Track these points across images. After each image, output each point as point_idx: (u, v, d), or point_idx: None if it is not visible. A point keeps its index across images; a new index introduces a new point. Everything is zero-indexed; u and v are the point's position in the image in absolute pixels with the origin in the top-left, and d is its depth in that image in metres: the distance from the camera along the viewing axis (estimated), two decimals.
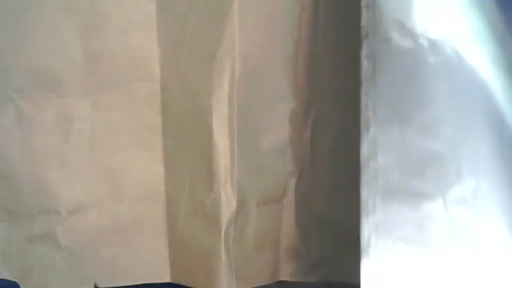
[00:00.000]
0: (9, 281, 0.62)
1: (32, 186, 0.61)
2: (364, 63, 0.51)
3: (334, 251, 0.65)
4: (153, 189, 0.63)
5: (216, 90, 0.59)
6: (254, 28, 0.59)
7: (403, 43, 0.51)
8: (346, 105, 0.58)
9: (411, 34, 0.51)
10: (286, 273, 0.65)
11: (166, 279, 0.64)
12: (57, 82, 0.60)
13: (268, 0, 0.60)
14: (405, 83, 0.51)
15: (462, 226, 0.51)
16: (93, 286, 0.62)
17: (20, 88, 0.60)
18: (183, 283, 0.63)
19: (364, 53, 0.51)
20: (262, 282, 0.64)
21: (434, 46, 0.51)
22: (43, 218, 0.61)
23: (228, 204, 0.60)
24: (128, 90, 0.61)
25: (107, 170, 0.62)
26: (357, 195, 0.60)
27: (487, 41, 0.52)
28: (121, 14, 0.59)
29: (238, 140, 0.59)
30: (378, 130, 0.51)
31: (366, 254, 0.51)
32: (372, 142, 0.51)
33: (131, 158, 0.62)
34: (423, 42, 0.51)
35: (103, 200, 0.62)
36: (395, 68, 0.51)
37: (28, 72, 0.59)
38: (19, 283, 0.62)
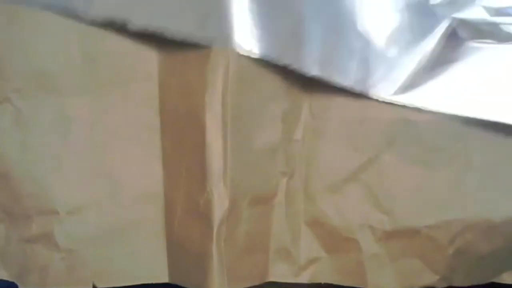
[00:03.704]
0: (8, 281, 0.63)
1: (30, 187, 0.61)
2: None
3: (324, 253, 0.64)
4: (152, 189, 0.63)
5: (209, 89, 0.59)
6: None
7: None
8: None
9: None
10: (275, 274, 0.65)
11: (165, 279, 0.63)
12: (55, 83, 0.60)
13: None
14: None
15: None
16: (91, 287, 0.62)
17: (18, 88, 0.60)
18: (181, 283, 0.63)
19: None
20: (252, 283, 0.63)
21: None
22: (42, 219, 0.61)
23: (220, 203, 0.59)
24: (127, 91, 0.61)
25: (105, 171, 0.62)
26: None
27: None
28: None
29: (231, 139, 0.59)
30: None
31: None
32: None
33: (130, 158, 0.62)
34: None
35: (102, 200, 0.62)
36: None
37: (26, 72, 0.60)
38: (17, 283, 0.62)
